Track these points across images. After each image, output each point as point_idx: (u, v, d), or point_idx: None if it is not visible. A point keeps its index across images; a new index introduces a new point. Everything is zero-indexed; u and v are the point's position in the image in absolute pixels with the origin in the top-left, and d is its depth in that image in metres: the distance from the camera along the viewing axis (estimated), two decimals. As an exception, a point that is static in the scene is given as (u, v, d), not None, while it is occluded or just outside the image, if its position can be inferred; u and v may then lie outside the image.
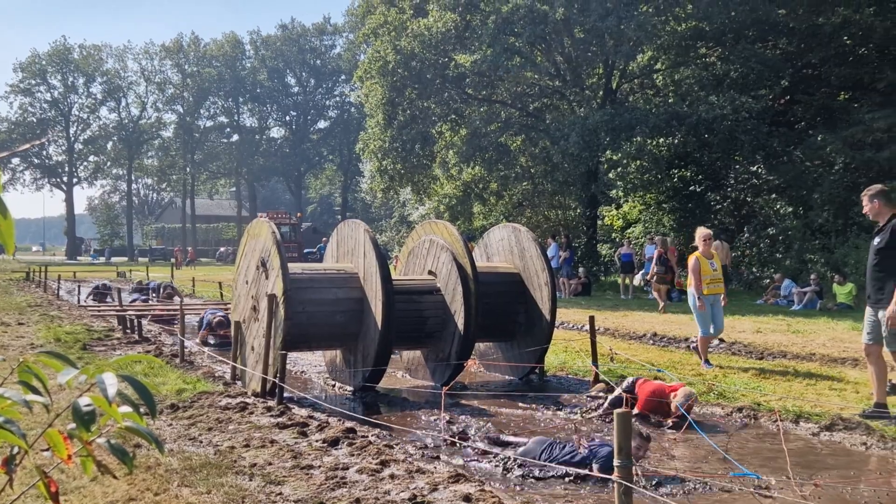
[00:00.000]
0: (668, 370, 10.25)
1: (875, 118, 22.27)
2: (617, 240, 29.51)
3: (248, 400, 8.77)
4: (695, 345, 11.36)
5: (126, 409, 1.72)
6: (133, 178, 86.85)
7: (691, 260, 11.20)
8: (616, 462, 4.21)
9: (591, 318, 10.97)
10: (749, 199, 27.12)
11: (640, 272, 26.03)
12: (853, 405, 8.12)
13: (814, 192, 22.82)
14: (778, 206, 25.62)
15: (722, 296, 11.23)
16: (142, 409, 1.74)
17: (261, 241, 9.95)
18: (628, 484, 4.16)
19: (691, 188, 27.77)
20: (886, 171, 21.59)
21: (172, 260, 50.42)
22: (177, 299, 20.45)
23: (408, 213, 49.92)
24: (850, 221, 21.81)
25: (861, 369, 10.62)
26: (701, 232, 11.34)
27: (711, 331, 11.08)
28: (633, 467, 4.32)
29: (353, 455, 6.54)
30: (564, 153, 25.20)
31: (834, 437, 7.12)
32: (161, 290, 23.33)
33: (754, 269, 25.27)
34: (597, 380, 10.18)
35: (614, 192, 29.55)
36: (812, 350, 11.04)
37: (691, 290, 11.09)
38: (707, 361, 10.88)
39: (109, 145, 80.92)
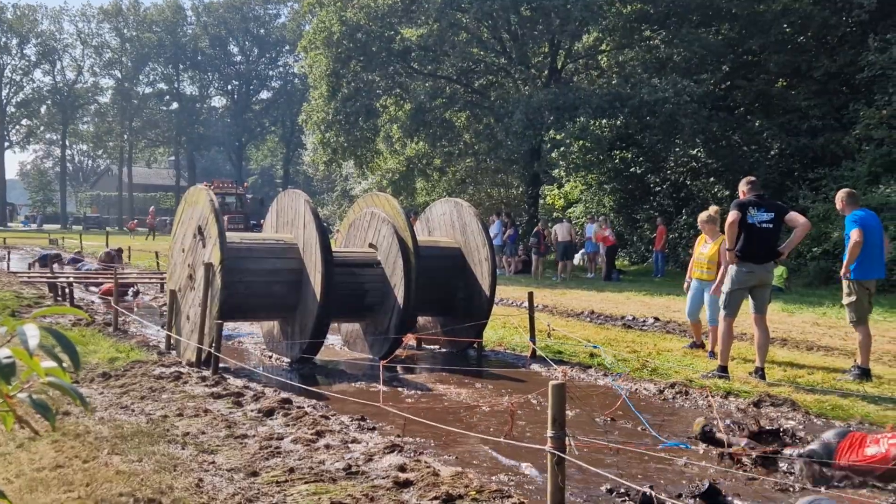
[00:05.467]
0: (604, 346, 10.41)
1: (811, 105, 22.79)
2: (557, 217, 29.78)
3: (182, 369, 8.66)
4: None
5: (49, 363, 1.67)
6: (67, 143, 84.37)
7: None
8: (550, 433, 4.26)
9: (530, 295, 11.06)
10: (688, 182, 27.58)
11: (581, 251, 26.39)
12: (782, 383, 8.35)
13: (750, 176, 23.31)
14: (716, 190, 26.11)
15: (710, 284, 9.83)
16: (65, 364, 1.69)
17: (198, 208, 9.77)
18: (560, 454, 4.22)
19: (632, 169, 28.12)
20: (820, 158, 22.17)
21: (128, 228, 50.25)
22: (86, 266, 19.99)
23: (350, 187, 49.54)
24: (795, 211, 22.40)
25: (789, 349, 10.95)
26: (702, 214, 10.58)
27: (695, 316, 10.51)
28: (567, 438, 4.37)
29: (288, 425, 6.51)
30: (508, 131, 25.27)
31: (762, 412, 7.31)
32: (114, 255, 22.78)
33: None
34: (534, 355, 10.26)
35: (556, 171, 29.76)
36: (743, 330, 11.31)
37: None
38: (693, 344, 10.56)
39: (43, 109, 78.32)
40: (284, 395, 7.60)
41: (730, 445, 6.06)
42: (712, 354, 9.92)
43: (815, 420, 7.02)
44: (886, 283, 16.64)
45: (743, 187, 8.93)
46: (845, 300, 8.80)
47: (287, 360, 10.18)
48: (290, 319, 10.11)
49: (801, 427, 6.73)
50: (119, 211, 79.15)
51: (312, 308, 9.53)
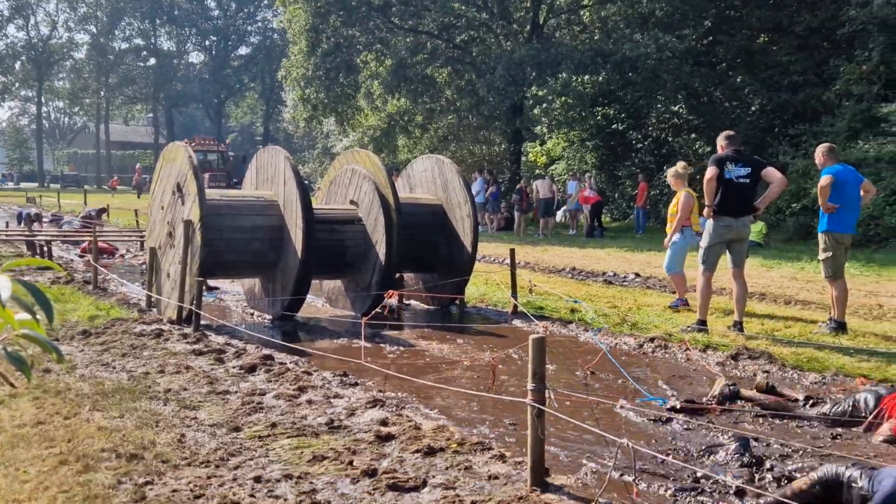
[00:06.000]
0: (585, 302, 10.48)
1: (792, 61, 22.77)
2: (539, 174, 29.74)
3: (163, 327, 8.65)
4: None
5: (23, 316, 1.66)
6: (43, 100, 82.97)
7: None
8: (530, 386, 4.30)
9: (512, 251, 11.09)
10: (669, 139, 27.58)
11: (563, 208, 26.42)
12: (759, 336, 8.45)
13: (729, 130, 23.33)
14: (697, 146, 26.14)
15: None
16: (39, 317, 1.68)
17: (176, 165, 9.67)
18: (541, 407, 4.26)
19: (614, 126, 28.07)
20: (801, 114, 22.20)
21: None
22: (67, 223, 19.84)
23: (331, 145, 49.19)
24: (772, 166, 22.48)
25: (767, 303, 11.07)
26: (670, 169, 11.12)
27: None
28: (547, 391, 4.42)
29: (270, 381, 6.54)
30: (490, 87, 25.12)
31: (739, 365, 7.41)
32: (95, 215, 22.57)
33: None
34: (515, 311, 10.32)
35: (538, 128, 29.66)
36: (722, 285, 11.40)
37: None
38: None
39: (17, 65, 76.85)
40: (266, 351, 7.62)
41: (752, 402, 6.00)
42: (679, 303, 10.35)
43: (790, 372, 7.11)
44: (863, 238, 16.83)
45: (721, 142, 8.95)
46: (821, 255, 8.88)
47: (269, 317, 10.17)
48: (271, 276, 10.09)
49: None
50: (97, 169, 78.21)
51: (293, 265, 9.51)
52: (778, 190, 8.73)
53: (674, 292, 11.18)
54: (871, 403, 5.54)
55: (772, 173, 8.67)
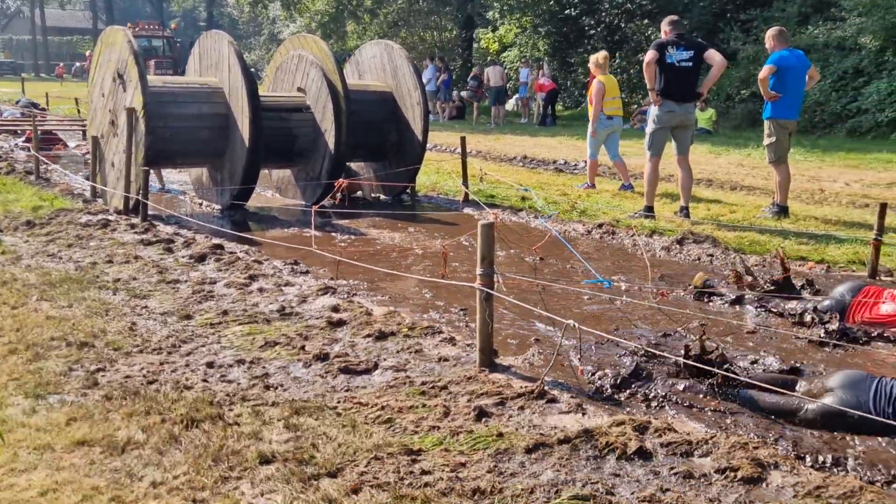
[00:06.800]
0: (535, 190, 10.54)
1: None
2: (492, 61, 29.29)
3: (110, 217, 8.53)
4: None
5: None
6: (-29, -18, 78.65)
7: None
8: (479, 271, 4.36)
9: (463, 139, 11.02)
10: (622, 25, 27.18)
11: (515, 96, 26.19)
12: (705, 221, 8.62)
13: (684, 18, 23.08)
14: (650, 32, 25.83)
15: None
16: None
17: (116, 50, 9.32)
18: (489, 290, 4.34)
19: (567, 12, 27.55)
20: (752, -1, 22.03)
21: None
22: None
23: (278, 31, 47.73)
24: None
25: (714, 189, 11.25)
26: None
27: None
28: (495, 276, 4.49)
29: (220, 270, 6.53)
30: (441, -31, 24.41)
31: (684, 249, 7.58)
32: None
33: (623, 95, 25.73)
34: (466, 199, 10.36)
35: (491, 13, 29.04)
36: (671, 172, 11.51)
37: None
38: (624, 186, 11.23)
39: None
40: (216, 241, 7.57)
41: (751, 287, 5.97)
42: (585, 185, 11.23)
43: (732, 255, 7.30)
44: (808, 124, 17.05)
45: (665, 27, 8.90)
46: (766, 140, 8.99)
47: (218, 207, 10.07)
48: (219, 165, 9.93)
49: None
50: (34, 56, 74.99)
51: (241, 153, 9.36)
52: (717, 73, 8.73)
53: (619, 179, 11.40)
54: (848, 301, 5.31)
55: (712, 56, 8.66)
